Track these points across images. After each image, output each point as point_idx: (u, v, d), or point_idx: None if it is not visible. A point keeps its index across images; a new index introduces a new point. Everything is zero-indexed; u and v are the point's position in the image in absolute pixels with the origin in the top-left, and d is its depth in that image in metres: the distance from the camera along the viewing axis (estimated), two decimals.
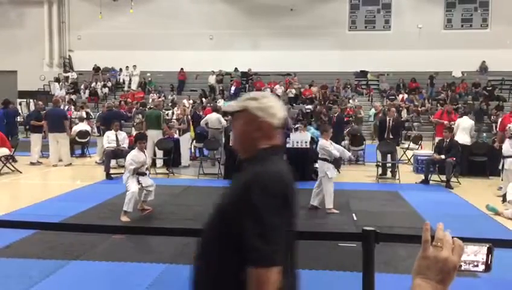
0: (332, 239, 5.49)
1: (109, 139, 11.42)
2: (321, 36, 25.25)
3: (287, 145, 10.64)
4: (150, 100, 20.17)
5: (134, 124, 15.16)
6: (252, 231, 1.57)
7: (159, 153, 12.03)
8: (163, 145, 11.90)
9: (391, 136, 11.58)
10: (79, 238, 5.96)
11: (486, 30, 25.14)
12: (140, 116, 14.60)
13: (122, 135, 11.73)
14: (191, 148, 13.61)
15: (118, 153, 11.22)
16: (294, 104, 21.42)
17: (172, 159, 11.67)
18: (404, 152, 13.67)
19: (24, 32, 27.07)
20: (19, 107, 22.06)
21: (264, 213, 1.58)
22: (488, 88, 23.17)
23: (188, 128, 13.14)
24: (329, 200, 7.80)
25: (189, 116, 13.60)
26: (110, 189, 9.38)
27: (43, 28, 27.29)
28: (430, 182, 10.56)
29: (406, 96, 23.32)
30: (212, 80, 25.00)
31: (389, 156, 11.23)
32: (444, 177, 10.30)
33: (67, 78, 26.72)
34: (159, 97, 20.86)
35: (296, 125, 13.34)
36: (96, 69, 26.79)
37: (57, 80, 26.47)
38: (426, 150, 13.27)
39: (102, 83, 26.08)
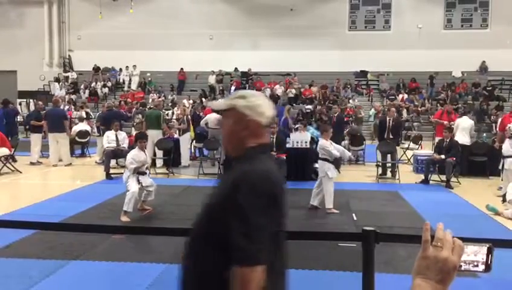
0: (332, 239, 5.49)
1: (109, 139, 11.43)
2: (321, 36, 25.25)
3: (287, 145, 10.66)
4: (150, 100, 20.16)
5: (134, 124, 15.16)
6: (238, 230, 1.57)
7: (159, 153, 12.02)
8: (163, 145, 11.90)
9: (391, 136, 11.58)
10: (79, 238, 5.96)
11: (486, 30, 25.14)
12: (140, 116, 14.60)
13: (122, 134, 11.73)
14: (191, 148, 13.61)
15: (117, 153, 11.22)
16: (294, 104, 21.42)
17: (172, 159, 11.67)
18: (404, 152, 13.67)
19: (24, 32, 27.07)
20: (18, 107, 22.08)
21: (250, 213, 1.58)
22: (488, 88, 23.18)
23: (188, 128, 13.14)
24: (329, 200, 7.80)
25: (189, 116, 13.60)
26: (110, 189, 9.38)
27: (43, 28, 27.30)
28: (430, 182, 10.56)
29: (406, 96, 23.33)
30: (212, 80, 25.00)
31: (389, 156, 11.23)
32: (444, 177, 10.30)
33: (67, 78, 26.73)
34: (159, 97, 20.86)
35: (296, 126, 13.35)
36: (96, 69, 26.79)
37: (57, 80, 26.48)
38: (426, 150, 13.28)
39: (102, 83, 26.09)
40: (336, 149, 8.04)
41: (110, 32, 26.04)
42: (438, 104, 21.33)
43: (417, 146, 14.56)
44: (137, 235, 5.99)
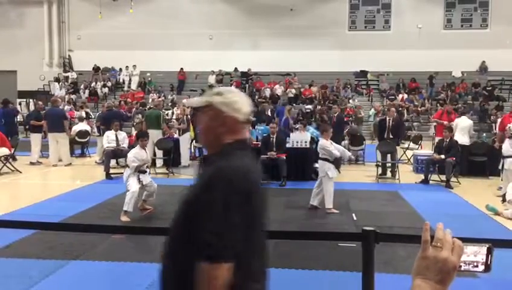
0: (332, 239, 5.49)
1: (109, 139, 11.43)
2: (321, 36, 25.25)
3: (287, 145, 10.66)
4: (150, 100, 20.17)
5: (134, 124, 15.17)
6: (208, 227, 1.56)
7: (159, 153, 12.03)
8: (163, 145, 11.90)
9: (391, 136, 11.58)
10: (79, 238, 5.96)
11: (486, 30, 25.15)
12: (140, 116, 14.61)
13: (122, 134, 11.73)
14: (190, 148, 13.61)
15: (117, 153, 11.23)
16: (294, 104, 21.43)
17: (172, 159, 11.67)
18: (404, 152, 13.67)
19: (24, 32, 27.07)
20: (18, 107, 22.08)
21: (222, 209, 1.57)
22: (487, 88, 23.19)
23: (188, 128, 13.14)
24: (329, 200, 7.80)
25: (189, 116, 13.60)
26: (110, 189, 9.38)
27: (42, 28, 27.30)
28: (430, 182, 10.56)
29: (405, 96, 23.33)
30: (212, 79, 25.01)
31: (388, 156, 11.23)
32: (443, 177, 10.30)
33: (67, 78, 26.73)
34: (159, 97, 20.86)
35: (297, 126, 13.35)
36: (96, 69, 26.80)
37: (57, 79, 26.48)
38: (426, 150, 13.28)
39: (102, 82, 26.09)
40: (336, 149, 8.05)
41: (110, 32, 26.04)
42: (438, 104, 21.33)
43: (417, 146, 14.56)
44: (137, 235, 5.98)
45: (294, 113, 17.17)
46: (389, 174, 11.24)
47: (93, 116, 16.73)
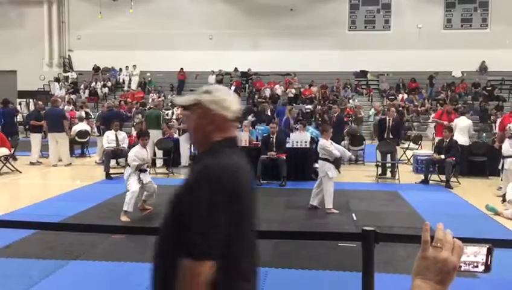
0: (332, 239, 5.50)
1: (109, 139, 11.43)
2: (321, 36, 25.25)
3: (287, 145, 10.66)
4: (150, 100, 20.18)
5: (134, 124, 15.17)
6: (192, 226, 1.57)
7: (159, 153, 12.03)
8: (163, 145, 11.90)
9: (391, 136, 11.58)
10: (79, 238, 5.96)
11: (486, 30, 25.15)
12: (140, 116, 14.61)
13: (122, 134, 11.73)
14: (190, 148, 13.58)
15: (117, 153, 11.23)
16: (294, 104, 21.43)
17: (172, 159, 11.67)
18: (404, 152, 13.67)
19: (24, 32, 27.07)
20: (18, 107, 22.08)
21: (207, 208, 1.57)
22: (487, 88, 23.18)
23: None
24: (329, 200, 7.80)
25: None
26: (109, 189, 9.39)
27: (42, 28, 27.30)
28: (430, 182, 10.56)
29: (405, 96, 23.33)
30: (212, 79, 24.99)
31: (388, 156, 11.23)
32: (443, 177, 10.30)
33: (67, 78, 26.74)
34: (159, 97, 20.86)
35: (297, 126, 13.35)
36: (96, 69, 26.79)
37: (57, 79, 26.49)
38: (426, 150, 13.28)
39: (102, 82, 26.09)
40: (336, 149, 8.05)
41: (110, 32, 26.04)
42: (438, 104, 21.34)
43: (417, 146, 14.56)
44: (137, 235, 5.98)
45: (294, 113, 17.18)
46: (389, 174, 11.24)
47: (93, 116, 16.73)
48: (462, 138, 11.37)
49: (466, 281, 4.15)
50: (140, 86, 25.79)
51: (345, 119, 15.69)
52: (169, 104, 20.32)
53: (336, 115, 14.65)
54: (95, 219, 7.16)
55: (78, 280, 5.03)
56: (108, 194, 8.85)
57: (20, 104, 23.59)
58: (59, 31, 27.75)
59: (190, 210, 1.60)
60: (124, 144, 11.35)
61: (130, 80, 26.48)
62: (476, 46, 23.99)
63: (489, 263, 1.08)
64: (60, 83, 26.12)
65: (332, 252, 5.62)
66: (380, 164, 11.11)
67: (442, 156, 10.18)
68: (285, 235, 4.45)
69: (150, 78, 25.85)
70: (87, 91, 25.41)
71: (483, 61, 24.73)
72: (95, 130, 14.70)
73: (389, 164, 11.30)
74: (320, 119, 16.51)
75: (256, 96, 23.21)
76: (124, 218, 7.14)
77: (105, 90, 25.81)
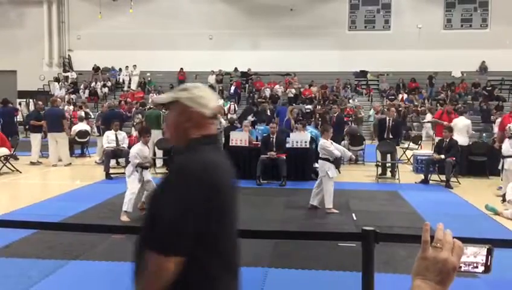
0: (332, 239, 5.49)
1: (109, 139, 11.42)
2: (321, 36, 25.26)
3: (287, 145, 10.66)
4: (150, 100, 20.15)
5: (134, 124, 15.16)
6: (163, 219, 1.58)
7: (159, 153, 12.03)
8: (163, 145, 11.89)
9: (391, 136, 11.58)
10: (78, 238, 5.96)
11: (486, 30, 25.15)
12: (140, 116, 14.60)
13: (122, 134, 11.72)
14: None
15: (117, 153, 11.22)
16: (294, 104, 21.42)
17: (172, 159, 11.65)
18: (404, 152, 13.67)
19: (24, 32, 27.07)
20: (18, 107, 22.07)
21: (180, 204, 1.57)
22: (487, 88, 23.19)
23: None
24: (329, 200, 7.80)
25: None
26: (109, 189, 9.38)
27: (42, 28, 27.29)
28: (430, 181, 10.56)
29: (405, 96, 23.33)
30: (211, 79, 24.99)
31: (388, 156, 11.23)
32: (443, 177, 10.30)
33: (66, 78, 26.74)
34: None
35: (297, 126, 13.34)
36: (96, 69, 26.79)
37: (57, 79, 26.49)
38: (426, 150, 13.28)
39: (102, 82, 26.09)
40: (336, 149, 8.05)
41: (110, 32, 26.04)
42: (438, 104, 21.34)
43: (417, 146, 14.56)
44: (137, 235, 5.97)
45: (295, 114, 17.18)
46: (388, 174, 11.24)
47: (92, 116, 16.73)
48: (460, 137, 11.37)
49: (466, 281, 4.15)
50: (140, 86, 25.79)
51: (345, 119, 15.68)
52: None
53: (335, 115, 14.64)
54: (94, 219, 7.16)
55: (78, 280, 5.02)
56: (108, 194, 8.84)
57: (20, 104, 23.58)
58: (59, 31, 27.75)
59: (164, 206, 1.60)
60: (124, 144, 11.34)
61: (130, 80, 26.48)
62: (476, 46, 23.99)
63: (489, 263, 1.08)
64: (60, 83, 26.12)
65: (332, 252, 5.62)
66: (380, 163, 11.11)
67: (442, 156, 10.18)
68: (285, 235, 4.45)
69: (149, 78, 25.85)
70: (87, 91, 25.41)
71: (483, 61, 24.73)
72: (95, 130, 14.70)
73: (389, 164, 11.30)
74: (320, 119, 16.49)
75: (256, 96, 23.21)
76: (123, 218, 7.14)
77: (105, 90, 25.80)
